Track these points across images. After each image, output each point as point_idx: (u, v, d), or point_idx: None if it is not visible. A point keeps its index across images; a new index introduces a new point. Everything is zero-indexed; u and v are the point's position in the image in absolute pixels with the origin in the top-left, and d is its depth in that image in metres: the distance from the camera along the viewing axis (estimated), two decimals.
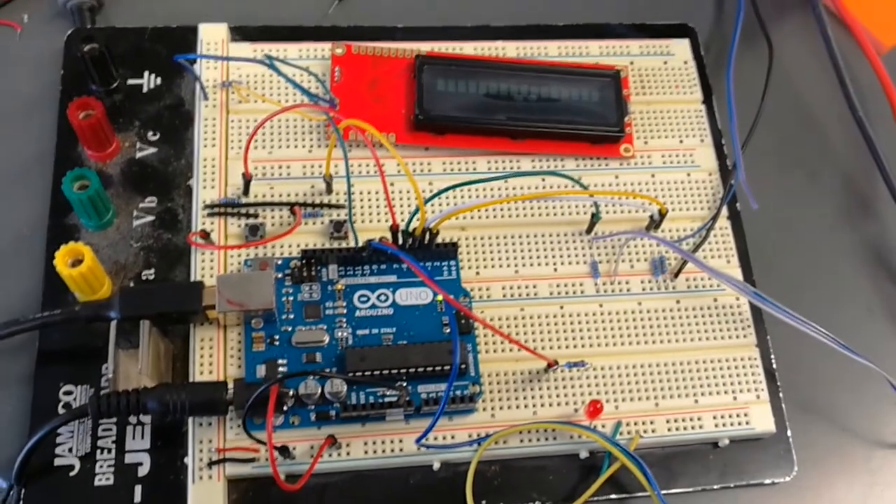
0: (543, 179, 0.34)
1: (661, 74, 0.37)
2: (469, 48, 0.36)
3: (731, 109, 0.35)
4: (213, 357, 0.31)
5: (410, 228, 0.30)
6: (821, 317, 0.33)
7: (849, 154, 0.38)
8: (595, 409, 0.30)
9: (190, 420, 0.30)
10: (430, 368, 0.30)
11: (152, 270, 0.32)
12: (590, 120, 0.35)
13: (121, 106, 0.35)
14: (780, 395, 0.33)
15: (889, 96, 0.38)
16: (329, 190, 0.33)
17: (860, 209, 0.37)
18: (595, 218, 0.33)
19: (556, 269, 0.33)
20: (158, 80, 0.35)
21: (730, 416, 0.32)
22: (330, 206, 0.33)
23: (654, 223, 0.34)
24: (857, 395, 0.34)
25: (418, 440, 0.29)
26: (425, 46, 0.36)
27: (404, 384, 0.30)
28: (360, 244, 0.31)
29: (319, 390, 0.30)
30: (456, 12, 0.38)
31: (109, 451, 0.30)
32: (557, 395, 0.31)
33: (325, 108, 0.33)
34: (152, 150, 0.34)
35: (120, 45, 0.35)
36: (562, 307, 0.33)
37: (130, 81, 0.35)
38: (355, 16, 0.38)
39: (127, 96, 0.35)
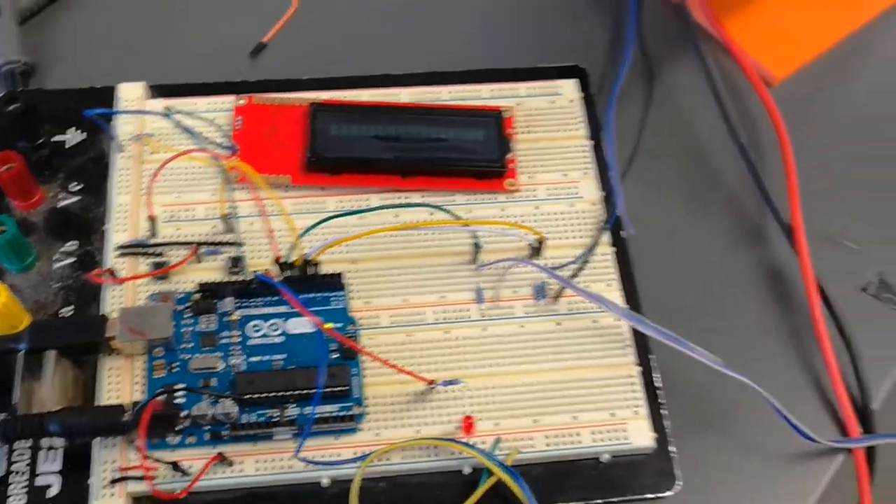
0: (432, 213, 0.37)
1: (547, 113, 0.40)
2: (366, 95, 0.39)
3: (611, 141, 0.38)
4: (121, 384, 0.33)
5: (291, 260, 0.32)
6: (709, 336, 0.34)
7: (735, 182, 0.40)
8: (468, 424, 0.32)
9: (96, 441, 0.32)
10: (316, 391, 0.32)
11: (71, 307, 0.35)
12: (473, 157, 0.37)
13: (46, 160, 0.38)
14: (663, 412, 0.34)
15: (776, 125, 0.40)
16: (228, 229, 0.36)
17: (746, 233, 0.39)
18: (477, 248, 0.35)
19: (442, 297, 0.35)
20: (82, 136, 0.39)
21: (608, 432, 0.33)
22: (227, 243, 0.35)
23: (535, 251, 0.36)
24: (740, 411, 0.35)
25: (295, 453, 0.31)
26: (325, 95, 0.39)
27: (290, 405, 0.32)
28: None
29: (211, 412, 0.32)
30: (362, 63, 0.41)
31: (23, 473, 0.32)
32: (440, 415, 0.33)
33: (216, 154, 0.37)
34: (75, 199, 0.37)
35: (48, 105, 0.39)
36: (447, 332, 0.35)
37: (56, 138, 0.39)
38: (269, 70, 0.42)
39: (52, 151, 0.38)
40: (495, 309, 0.35)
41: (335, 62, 0.42)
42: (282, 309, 0.34)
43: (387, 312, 0.35)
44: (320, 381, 0.30)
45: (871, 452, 0.35)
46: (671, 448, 0.34)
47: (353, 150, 0.37)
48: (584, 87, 0.41)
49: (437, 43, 0.43)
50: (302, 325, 0.34)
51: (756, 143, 0.41)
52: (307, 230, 0.33)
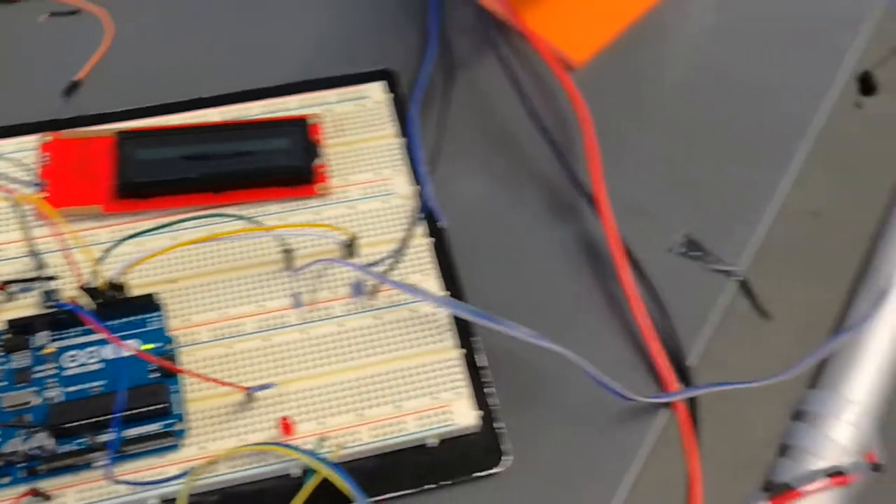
0: (252, 227, 0.37)
1: (356, 117, 0.41)
2: (176, 119, 0.40)
3: (417, 137, 0.40)
4: None
5: (95, 286, 0.33)
6: (532, 311, 0.36)
7: (544, 164, 0.42)
8: (286, 425, 0.33)
9: None
10: (135, 412, 0.32)
11: None
12: (281, 166, 0.38)
13: None
14: (487, 390, 0.35)
15: (576, 106, 0.42)
16: (39, 265, 0.36)
17: (558, 211, 0.41)
18: (289, 253, 0.36)
19: (260, 306, 0.36)
20: None
21: (432, 416, 0.34)
22: (38, 278, 0.35)
23: (349, 249, 0.37)
24: (566, 381, 0.36)
25: (106, 476, 0.31)
26: (137, 124, 0.39)
27: (106, 431, 0.32)
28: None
29: (24, 447, 0.32)
30: (177, 90, 0.42)
31: None
32: (264, 421, 0.34)
33: (14, 191, 0.37)
34: None
35: None
36: (267, 339, 0.35)
37: None
38: (84, 107, 0.42)
39: None
40: (314, 311, 0.36)
41: (150, 92, 0.42)
42: (99, 336, 0.34)
43: (206, 327, 0.35)
44: (118, 405, 0.30)
45: (693, 406, 0.37)
46: (498, 424, 0.35)
47: (162, 172, 0.37)
48: (394, 88, 0.42)
49: (249, 62, 0.44)
50: (119, 349, 0.34)
51: (561, 125, 0.42)
52: (104, 255, 0.33)
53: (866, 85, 0.75)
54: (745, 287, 0.39)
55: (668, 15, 0.47)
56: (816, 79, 0.46)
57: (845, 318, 0.41)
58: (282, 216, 0.38)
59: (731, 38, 0.47)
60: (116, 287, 0.33)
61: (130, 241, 0.36)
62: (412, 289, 0.35)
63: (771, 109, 0.44)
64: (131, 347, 0.33)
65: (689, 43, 0.47)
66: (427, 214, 0.38)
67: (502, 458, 0.34)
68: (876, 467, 0.37)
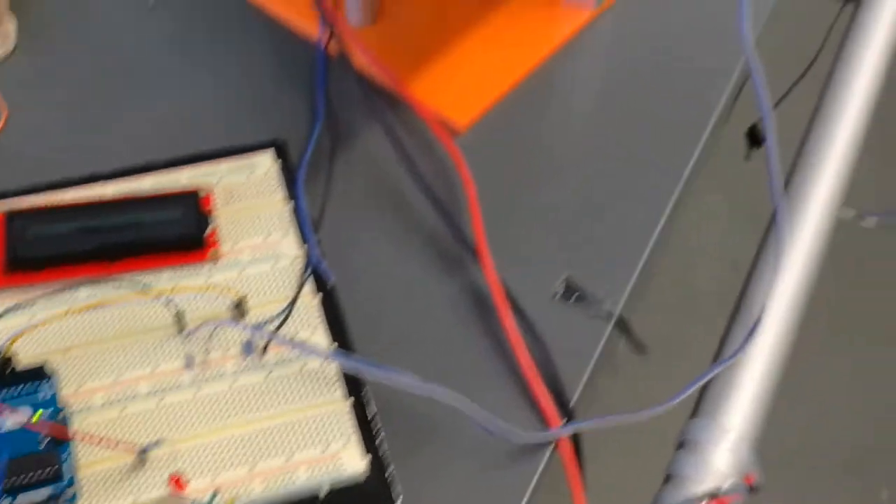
0: (145, 293, 0.39)
1: (246, 185, 0.43)
2: (72, 195, 0.42)
3: (302, 200, 0.42)
4: None
5: None
6: (423, 359, 0.38)
7: (432, 221, 0.44)
8: (176, 481, 0.34)
9: None
10: (24, 479, 0.33)
11: None
12: (174, 235, 0.40)
13: None
14: (377, 438, 0.37)
15: (458, 167, 0.44)
16: None
17: (445, 266, 0.43)
18: (180, 317, 0.38)
19: (154, 369, 0.37)
20: None
21: (323, 466, 0.35)
22: None
23: (239, 310, 0.38)
24: (455, 427, 0.38)
25: None
26: (31, 200, 0.41)
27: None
28: None
29: None
30: (69, 168, 0.43)
31: None
32: (157, 480, 0.34)
33: None
34: None
35: None
36: (161, 400, 0.36)
37: None
38: None
39: None
40: (207, 371, 0.37)
41: (45, 169, 0.43)
42: None
43: (99, 393, 0.36)
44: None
45: (577, 442, 0.38)
46: (389, 471, 0.36)
47: (53, 247, 0.39)
48: (283, 156, 0.44)
49: (144, 137, 0.46)
50: (10, 420, 0.35)
51: (446, 185, 0.45)
52: None
53: (754, 138, 0.79)
54: (623, 325, 0.42)
55: (554, 72, 0.51)
56: (691, 127, 0.49)
57: (722, 349, 0.43)
58: (174, 282, 0.39)
59: (610, 94, 0.51)
60: (5, 359, 0.34)
61: (21, 312, 0.37)
62: (299, 344, 0.37)
63: (648, 157, 0.48)
64: (19, 418, 0.34)
65: (571, 99, 0.51)
66: (315, 273, 0.40)
67: (394, 501, 0.35)
68: (754, 488, 0.39)
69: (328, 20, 0.47)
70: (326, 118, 0.46)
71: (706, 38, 0.53)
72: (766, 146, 0.41)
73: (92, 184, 0.42)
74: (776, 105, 0.47)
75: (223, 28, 0.52)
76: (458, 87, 0.49)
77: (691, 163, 0.47)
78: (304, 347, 0.37)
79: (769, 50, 0.46)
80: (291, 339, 0.38)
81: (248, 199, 0.42)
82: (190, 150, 0.44)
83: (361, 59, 0.48)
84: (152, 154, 0.44)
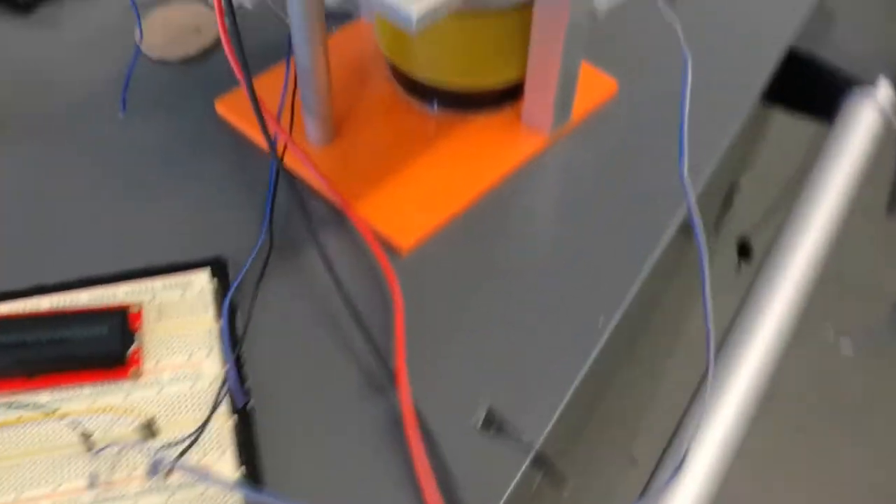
0: (54, 412, 0.39)
1: (179, 303, 0.43)
2: (7, 308, 0.43)
3: (225, 320, 0.42)
4: None
5: None
6: (335, 486, 0.38)
7: (357, 344, 0.44)
8: None
9: None
10: None
11: None
12: (96, 352, 0.40)
13: None
14: None
15: (392, 290, 0.45)
16: None
17: (366, 390, 0.42)
18: (87, 436, 0.38)
19: (56, 487, 0.37)
20: None
21: None
22: None
23: (149, 431, 0.39)
24: None
25: None
26: None
27: None
28: None
29: None
30: (9, 280, 0.45)
31: None
32: None
33: None
34: None
35: None
36: None
37: None
38: None
39: None
40: (109, 491, 0.37)
41: None
42: None
43: None
44: None
45: None
46: None
47: None
48: (222, 275, 0.45)
49: (88, 250, 0.48)
50: None
51: (379, 308, 0.45)
52: None
53: (744, 250, 0.78)
54: (542, 459, 0.41)
55: (503, 197, 0.51)
56: (635, 258, 0.49)
57: (647, 487, 0.42)
58: (93, 398, 0.40)
59: (556, 221, 0.51)
60: None
61: None
62: (199, 472, 0.37)
63: (587, 287, 0.47)
64: None
65: (516, 225, 0.51)
66: (231, 395, 0.41)
67: None
68: None
69: (280, 139, 0.49)
70: (270, 236, 0.47)
71: (660, 167, 0.53)
72: (703, 298, 0.41)
73: (34, 296, 0.44)
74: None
75: (190, 141, 0.54)
76: (407, 209, 0.50)
77: (629, 296, 0.47)
78: (204, 475, 0.37)
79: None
80: (193, 465, 0.38)
81: (179, 317, 0.43)
82: (140, 263, 0.46)
83: (311, 179, 0.50)
84: (104, 266, 0.45)
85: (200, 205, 0.51)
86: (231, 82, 0.52)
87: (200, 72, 0.59)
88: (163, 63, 0.59)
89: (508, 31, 0.50)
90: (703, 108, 0.50)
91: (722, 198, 0.76)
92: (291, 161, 0.51)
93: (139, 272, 0.45)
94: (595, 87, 0.57)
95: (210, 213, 0.50)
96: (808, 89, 0.63)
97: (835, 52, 0.62)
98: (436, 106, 0.54)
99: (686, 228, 0.51)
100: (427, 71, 0.52)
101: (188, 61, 0.60)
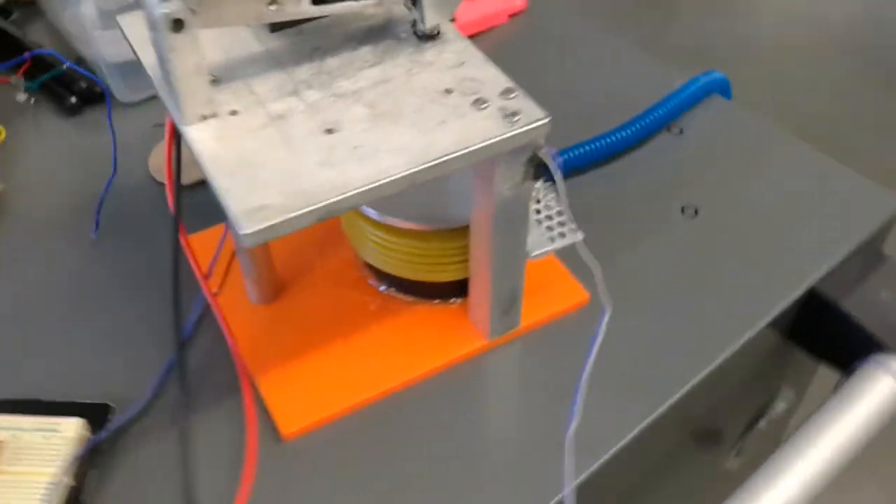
0: None
1: (37, 447, 0.43)
2: None
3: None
4: None
5: None
6: None
7: None
8: None
9: None
10: None
11: None
12: None
13: None
14: None
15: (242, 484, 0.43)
16: None
17: None
18: None
19: None
20: None
21: None
22: None
23: None
24: None
25: None
26: None
27: None
28: None
29: None
30: None
31: None
32: None
33: None
34: None
35: None
36: None
37: None
38: None
39: None
40: None
41: None
42: None
43: None
44: None
45: None
46: None
47: None
48: (102, 422, 0.45)
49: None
50: None
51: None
52: None
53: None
54: None
55: (426, 396, 0.48)
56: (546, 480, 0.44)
57: None
58: None
59: (466, 434, 0.47)
60: None
61: None
62: None
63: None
64: None
65: (419, 432, 0.47)
66: None
67: None
68: None
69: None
70: (161, 393, 0.47)
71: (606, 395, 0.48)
72: None
73: None
74: None
75: (147, 271, 0.54)
76: (312, 390, 0.48)
77: None
78: None
79: None
80: None
81: (29, 463, 0.43)
82: (30, 393, 0.47)
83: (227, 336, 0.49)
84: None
85: (126, 340, 0.51)
86: (218, 218, 0.53)
87: (202, 200, 0.61)
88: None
89: (456, 242, 0.48)
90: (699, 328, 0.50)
91: (746, 422, 0.69)
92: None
93: (8, 405, 0.46)
94: (566, 294, 0.53)
95: (135, 351, 0.50)
96: (830, 338, 0.56)
97: (868, 308, 0.54)
98: (384, 287, 0.52)
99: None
100: (375, 259, 0.51)
101: (194, 187, 0.61)
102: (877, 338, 0.53)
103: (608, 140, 0.61)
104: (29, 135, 0.64)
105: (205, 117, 0.39)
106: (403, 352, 0.50)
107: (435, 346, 0.50)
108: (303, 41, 0.43)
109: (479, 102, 0.40)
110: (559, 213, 0.49)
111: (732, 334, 0.52)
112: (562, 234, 0.48)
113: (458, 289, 0.51)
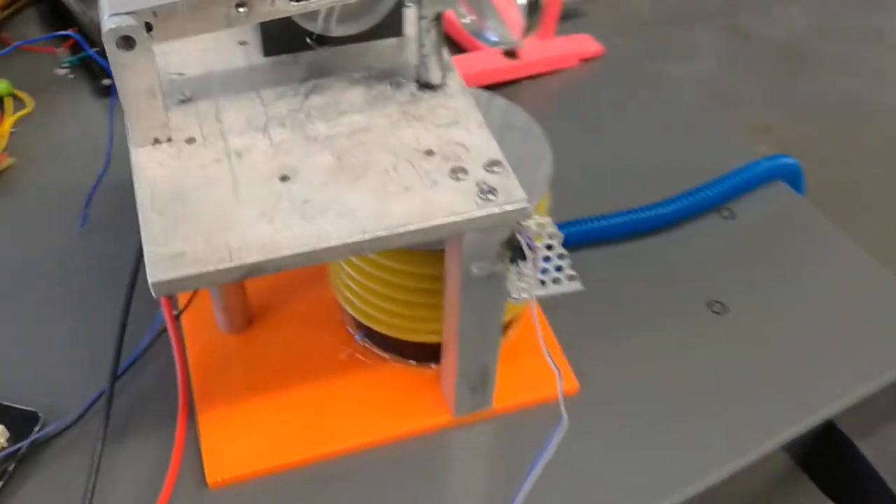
0: None
1: None
2: None
3: None
4: None
5: None
6: None
7: None
8: None
9: None
10: None
11: None
12: None
13: None
14: None
15: None
16: None
17: None
18: None
19: None
20: None
21: None
22: None
23: None
24: None
25: None
26: None
27: None
28: None
29: None
30: None
31: None
32: None
33: None
34: None
35: None
36: None
37: None
38: None
39: None
40: None
41: None
42: None
43: None
44: None
45: None
46: None
47: None
48: (27, 431, 0.43)
49: None
50: None
51: None
52: None
53: None
54: None
55: (366, 465, 0.44)
56: None
57: None
58: None
59: None
60: None
61: None
62: None
63: None
64: None
65: None
66: None
67: None
68: None
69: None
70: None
71: None
72: None
73: None
74: None
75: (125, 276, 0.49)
76: (253, 436, 0.44)
77: None
78: None
79: None
80: None
81: None
82: None
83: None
84: None
85: (85, 343, 0.48)
86: None
87: None
88: None
89: (437, 299, 0.43)
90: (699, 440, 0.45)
91: None
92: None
93: None
94: (551, 380, 0.48)
95: (90, 358, 0.48)
96: (845, 479, 0.49)
97: (889, 457, 0.48)
98: (360, 336, 0.49)
99: None
100: (349, 305, 0.47)
101: None
102: (894, 493, 0.46)
103: (636, 217, 0.56)
104: (57, 110, 0.63)
105: (157, 141, 0.36)
106: (361, 412, 0.46)
107: (396, 412, 0.46)
108: (293, 72, 0.40)
109: (456, 172, 0.36)
110: (560, 256, 0.44)
111: (733, 455, 0.46)
112: (556, 280, 0.43)
113: (433, 354, 0.47)
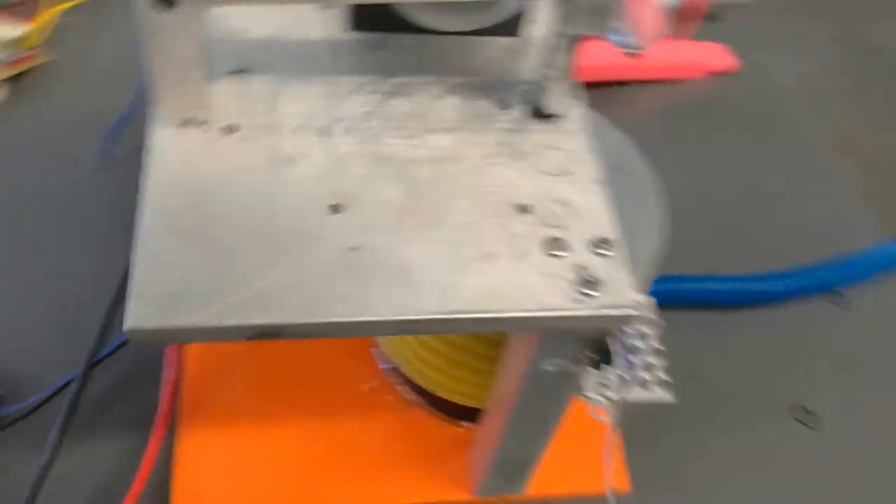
0: None
1: None
2: None
3: None
4: None
5: None
6: None
7: None
8: None
9: None
10: None
11: None
12: None
13: None
14: None
15: None
16: None
17: None
18: None
19: None
20: None
21: None
22: None
23: None
24: None
25: None
26: None
27: None
28: None
29: None
30: None
31: None
32: None
33: None
34: None
35: None
36: None
37: None
38: None
39: None
40: None
41: None
42: None
43: None
44: None
45: None
46: None
47: None
48: None
49: None
50: None
51: None
52: None
53: None
54: None
55: None
56: None
57: None
58: None
59: None
60: None
61: None
62: None
63: None
64: None
65: None
66: None
67: None
68: None
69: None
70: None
71: None
72: None
73: None
74: None
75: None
76: (236, 469, 0.38)
77: None
78: None
79: None
80: None
81: None
82: None
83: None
84: None
85: (79, 308, 0.42)
86: None
87: None
88: None
89: (485, 365, 0.36)
90: None
91: None
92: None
93: None
94: (596, 472, 0.40)
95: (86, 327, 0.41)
96: None
97: None
98: (388, 368, 0.41)
99: None
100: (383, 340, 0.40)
101: None
102: None
103: (740, 287, 0.48)
104: (113, 6, 0.56)
105: (187, 122, 0.28)
106: (370, 466, 0.39)
107: (411, 474, 0.39)
108: (380, 59, 0.32)
109: (554, 244, 0.28)
110: (656, 352, 0.36)
111: None
112: (644, 384, 0.35)
113: (474, 413, 0.40)
